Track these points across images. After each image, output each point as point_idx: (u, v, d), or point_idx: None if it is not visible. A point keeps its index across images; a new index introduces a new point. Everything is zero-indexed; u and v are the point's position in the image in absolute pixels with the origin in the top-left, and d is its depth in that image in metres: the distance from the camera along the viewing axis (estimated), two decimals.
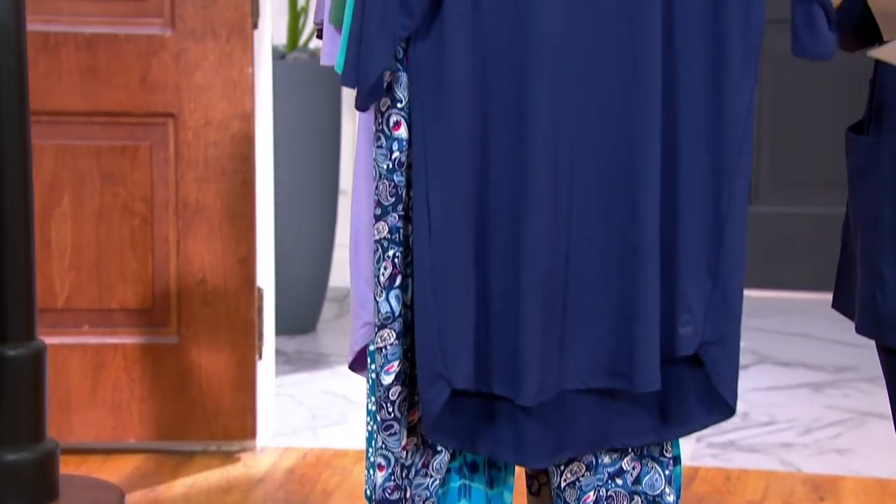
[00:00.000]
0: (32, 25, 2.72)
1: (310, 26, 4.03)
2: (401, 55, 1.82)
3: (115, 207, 2.85)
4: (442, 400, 1.80)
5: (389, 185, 1.84)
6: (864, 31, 1.82)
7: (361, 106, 1.80)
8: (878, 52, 1.69)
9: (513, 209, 1.80)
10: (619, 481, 1.92)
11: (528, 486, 2.07)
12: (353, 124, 4.15)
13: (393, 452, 1.86)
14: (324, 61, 1.94)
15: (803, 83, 4.18)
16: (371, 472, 1.89)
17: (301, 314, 3.90)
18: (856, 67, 3.60)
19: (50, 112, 2.82)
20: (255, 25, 2.88)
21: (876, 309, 1.78)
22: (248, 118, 2.86)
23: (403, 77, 1.82)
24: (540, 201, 1.79)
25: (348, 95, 4.07)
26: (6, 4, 2.46)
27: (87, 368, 2.88)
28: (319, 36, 1.97)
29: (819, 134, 4.20)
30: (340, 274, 3.94)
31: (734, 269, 1.85)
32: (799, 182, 4.27)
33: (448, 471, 1.90)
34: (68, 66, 2.81)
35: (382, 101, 1.83)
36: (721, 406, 1.88)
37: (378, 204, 1.85)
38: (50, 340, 2.75)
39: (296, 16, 3.95)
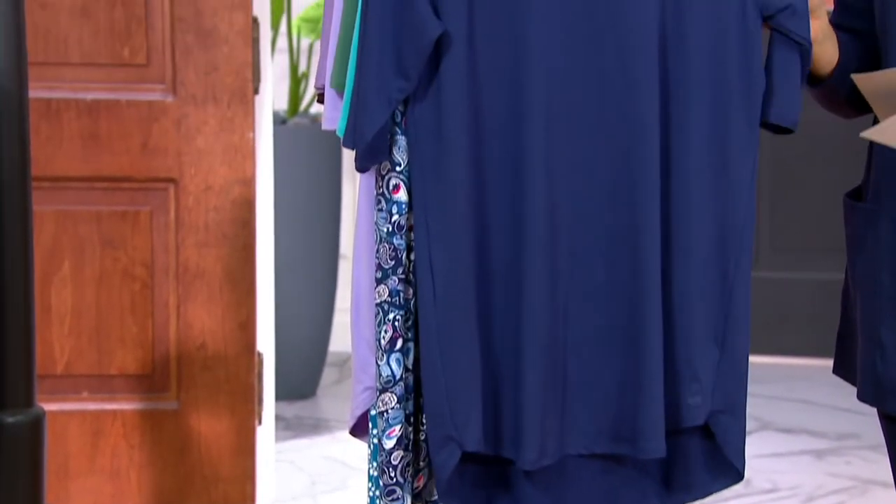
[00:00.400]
0: (34, 92, 2.73)
1: (311, 92, 4.06)
2: (399, 119, 1.83)
3: (116, 272, 2.85)
4: (453, 463, 1.80)
5: (389, 249, 1.84)
6: (859, 96, 1.83)
7: (360, 167, 1.82)
8: (871, 134, 1.68)
9: (512, 271, 1.81)
10: None
11: None
12: (353, 188, 4.16)
13: None
14: (325, 126, 1.95)
15: (803, 148, 4.19)
16: None
17: (301, 379, 3.89)
18: (855, 132, 3.61)
19: (51, 178, 2.83)
20: (256, 91, 2.89)
21: (876, 376, 1.78)
22: (249, 183, 2.87)
23: (402, 140, 1.83)
24: (538, 264, 1.80)
25: (349, 160, 4.09)
26: (9, 71, 2.47)
27: (85, 435, 2.87)
28: (321, 100, 1.98)
29: (819, 199, 4.21)
30: (341, 338, 3.94)
31: (741, 335, 1.85)
32: (799, 248, 4.27)
33: None
34: (70, 132, 2.83)
35: (382, 164, 1.84)
36: (727, 472, 1.87)
37: (379, 267, 1.85)
38: (49, 407, 2.74)
39: (297, 81, 3.98)
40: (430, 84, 1.80)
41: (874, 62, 1.86)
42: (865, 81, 1.71)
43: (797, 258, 4.27)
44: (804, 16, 1.82)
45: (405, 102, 1.81)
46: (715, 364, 1.85)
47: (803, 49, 1.82)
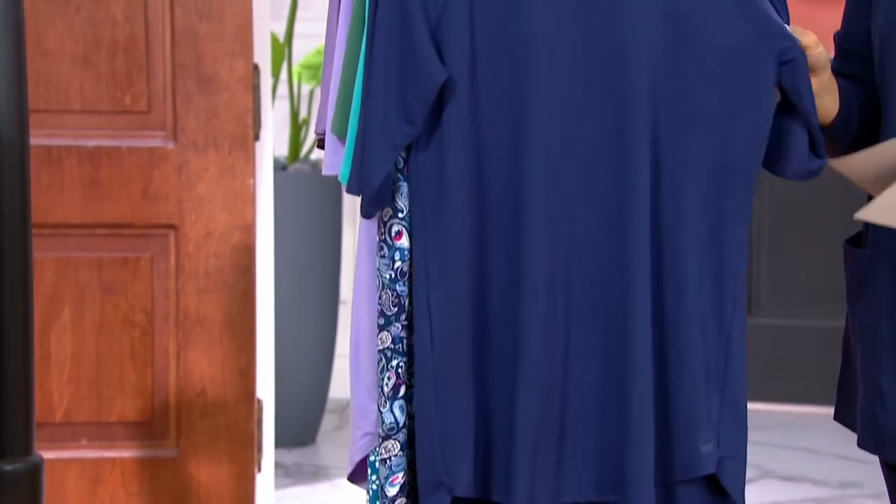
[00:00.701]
0: (35, 139, 2.72)
1: (311, 138, 4.06)
2: (402, 165, 1.84)
3: (116, 319, 2.85)
4: None
5: (392, 295, 1.85)
6: (862, 144, 1.84)
7: (366, 213, 1.83)
8: (865, 214, 1.66)
9: (510, 321, 1.81)
10: None
11: None
12: (353, 234, 4.17)
13: None
14: (326, 171, 1.95)
15: (803, 194, 4.20)
16: None
17: (301, 426, 3.88)
18: None
19: (51, 225, 2.83)
20: (256, 137, 2.90)
21: (876, 424, 1.77)
22: (249, 229, 2.87)
23: (404, 187, 1.84)
24: (535, 316, 1.81)
25: (349, 206, 4.10)
26: (10, 119, 2.48)
27: (84, 483, 2.86)
28: (321, 146, 1.98)
29: (820, 246, 4.20)
30: (341, 385, 3.93)
31: (740, 378, 1.86)
32: (800, 294, 4.27)
33: None
34: (70, 179, 2.84)
35: (385, 210, 1.84)
36: None
37: (381, 314, 1.85)
38: (47, 455, 2.73)
39: (297, 128, 3.99)
40: (432, 131, 1.81)
41: (875, 109, 1.86)
42: (845, 166, 1.68)
43: (798, 305, 4.26)
44: (804, 71, 1.83)
45: (408, 149, 1.82)
46: (718, 408, 1.86)
47: (804, 109, 1.83)
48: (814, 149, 1.85)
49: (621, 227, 1.82)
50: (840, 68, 1.91)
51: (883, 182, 1.65)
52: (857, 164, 1.67)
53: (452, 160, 1.80)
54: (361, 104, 1.81)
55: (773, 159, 1.85)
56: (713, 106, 1.82)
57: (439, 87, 1.77)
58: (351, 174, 1.81)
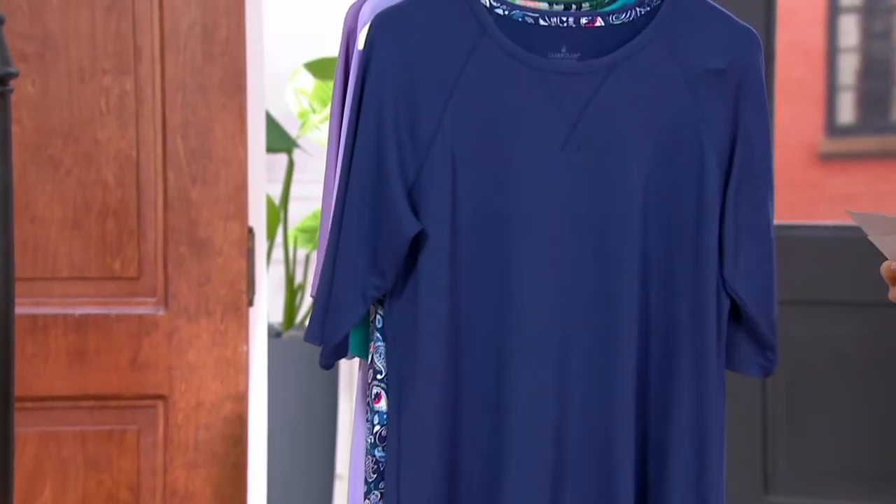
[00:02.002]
0: (21, 308, 2.73)
1: (306, 304, 4.05)
2: (381, 324, 1.83)
3: (100, 496, 2.80)
4: None
5: (371, 462, 1.84)
6: None
7: (325, 364, 1.83)
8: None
9: (489, 495, 1.80)
10: None
11: None
12: (350, 405, 4.13)
13: None
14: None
15: (820, 366, 4.17)
16: None
17: None
18: (870, 356, 3.60)
19: (35, 398, 2.79)
20: (250, 303, 2.88)
21: None
22: (242, 399, 2.84)
23: (383, 347, 1.84)
24: (520, 491, 1.79)
25: (345, 375, 4.07)
26: None
27: None
28: None
29: (838, 421, 4.16)
30: None
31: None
32: (817, 472, 4.21)
33: None
34: (56, 349, 2.81)
35: (368, 372, 1.84)
36: None
37: (364, 481, 1.85)
38: None
39: (292, 293, 3.98)
40: (406, 282, 1.81)
41: None
42: (863, 219, 1.70)
43: (816, 483, 4.20)
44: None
45: (383, 305, 1.82)
46: None
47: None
48: (763, 345, 1.88)
49: (608, 395, 1.82)
50: None
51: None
52: (880, 225, 1.68)
53: (427, 319, 1.80)
54: (332, 254, 1.82)
55: (727, 355, 1.89)
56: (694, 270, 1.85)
57: (410, 240, 1.78)
58: (313, 321, 1.82)
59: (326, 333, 1.80)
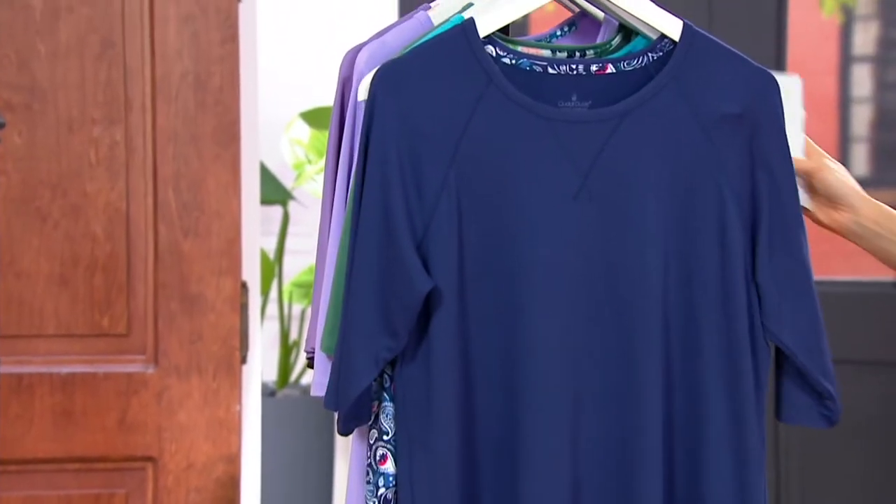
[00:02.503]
0: (5, 367, 2.71)
1: (301, 362, 4.03)
2: (388, 384, 1.82)
3: None
4: None
5: None
6: None
7: (343, 430, 1.81)
8: None
9: None
10: None
11: None
12: (346, 465, 4.10)
13: None
14: (314, 392, 1.93)
15: (838, 426, 4.14)
16: None
17: None
18: (882, 412, 3.57)
19: (19, 461, 2.76)
20: (243, 360, 2.86)
21: None
22: (234, 460, 2.81)
23: (389, 407, 1.82)
24: None
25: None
26: None
27: None
28: (311, 365, 1.97)
29: (851, 481, 4.14)
30: None
31: None
32: None
33: None
34: (41, 409, 2.78)
35: (371, 433, 1.83)
36: None
37: None
38: None
39: (287, 350, 3.96)
40: (419, 343, 1.80)
41: None
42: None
43: None
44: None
45: (392, 364, 1.81)
46: None
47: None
48: (821, 394, 1.86)
49: (628, 457, 1.81)
50: None
51: None
52: None
53: (440, 378, 1.79)
54: (342, 316, 1.80)
55: (776, 405, 1.87)
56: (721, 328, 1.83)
57: (423, 297, 1.77)
58: (329, 388, 1.81)
59: (340, 398, 1.79)
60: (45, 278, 2.80)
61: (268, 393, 3.83)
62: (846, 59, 4.98)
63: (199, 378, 2.82)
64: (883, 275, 3.74)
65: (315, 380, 1.93)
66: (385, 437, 1.82)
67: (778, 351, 1.85)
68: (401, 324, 1.77)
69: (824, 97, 4.70)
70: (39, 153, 2.78)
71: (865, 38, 5.09)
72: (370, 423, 1.85)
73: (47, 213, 2.78)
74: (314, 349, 1.95)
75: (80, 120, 2.78)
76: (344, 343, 1.79)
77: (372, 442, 1.83)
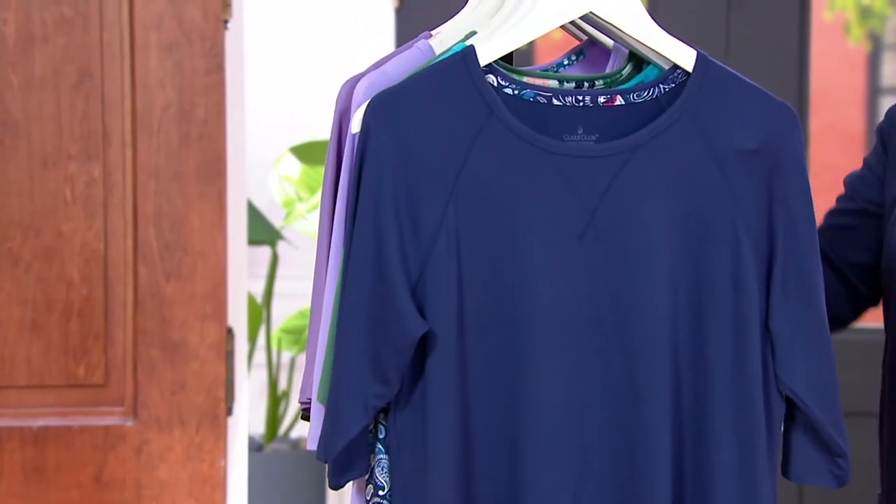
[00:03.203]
0: None
1: (291, 413, 4.03)
2: (383, 435, 1.82)
3: None
4: None
5: None
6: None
7: (333, 484, 1.81)
8: None
9: None
10: None
11: None
12: None
13: None
14: (310, 446, 1.92)
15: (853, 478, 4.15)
16: None
17: None
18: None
19: None
20: (229, 412, 2.86)
21: None
22: None
23: (385, 461, 1.83)
24: None
25: (334, 491, 4.03)
26: None
27: None
28: (305, 417, 1.97)
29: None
30: None
31: None
32: None
33: None
34: (11, 466, 2.77)
35: (367, 488, 1.83)
36: None
37: None
38: None
39: (276, 401, 3.95)
40: (413, 390, 1.80)
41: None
42: None
43: None
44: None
45: (387, 414, 1.81)
46: None
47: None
48: (832, 452, 1.86)
49: None
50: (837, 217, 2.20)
51: None
52: None
53: (437, 429, 1.79)
54: (332, 362, 1.81)
55: (783, 461, 1.88)
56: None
57: (416, 342, 1.77)
58: (320, 438, 1.81)
59: (328, 448, 1.79)
60: (16, 325, 2.80)
61: (255, 447, 3.82)
62: (874, 91, 4.99)
63: (182, 431, 2.82)
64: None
65: (311, 432, 1.92)
66: (381, 493, 1.83)
67: (788, 402, 1.84)
68: (392, 369, 1.78)
69: (850, 131, 4.70)
70: (11, 190, 2.78)
71: (895, 68, 5.11)
72: (367, 477, 1.85)
73: (19, 255, 2.79)
74: (310, 399, 1.94)
75: (54, 155, 2.79)
76: (333, 389, 1.79)
77: (368, 498, 1.84)
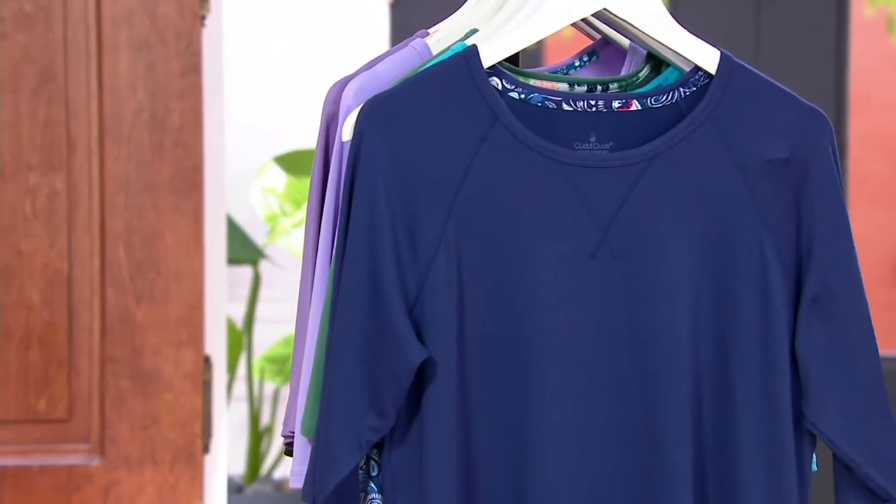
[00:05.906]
0: None
1: (274, 450, 4.03)
2: (375, 472, 1.83)
3: None
4: None
5: None
6: None
7: None
8: None
9: None
10: None
11: None
12: None
13: None
14: (293, 484, 1.92)
15: None
16: None
17: None
18: None
19: None
20: (206, 449, 2.87)
21: None
22: None
23: (378, 500, 1.84)
24: None
25: None
26: None
27: None
28: (289, 452, 1.97)
29: None
30: None
31: None
32: None
33: None
34: None
35: None
36: None
37: None
38: None
39: (257, 437, 3.96)
40: (410, 422, 1.80)
41: None
42: None
43: None
44: None
45: (380, 450, 1.82)
46: None
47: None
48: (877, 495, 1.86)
49: None
50: None
51: None
52: None
53: (436, 466, 1.79)
54: (322, 392, 1.81)
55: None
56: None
57: (415, 370, 1.78)
58: (307, 477, 1.81)
59: (317, 488, 1.79)
60: None
61: (234, 489, 3.83)
62: None
63: (154, 470, 2.83)
64: None
65: (293, 469, 1.92)
66: None
67: None
68: (388, 401, 1.78)
69: (893, 138, 4.72)
70: None
71: None
72: None
73: None
74: (293, 433, 1.95)
75: (13, 166, 2.80)
76: (323, 422, 1.79)
77: None
